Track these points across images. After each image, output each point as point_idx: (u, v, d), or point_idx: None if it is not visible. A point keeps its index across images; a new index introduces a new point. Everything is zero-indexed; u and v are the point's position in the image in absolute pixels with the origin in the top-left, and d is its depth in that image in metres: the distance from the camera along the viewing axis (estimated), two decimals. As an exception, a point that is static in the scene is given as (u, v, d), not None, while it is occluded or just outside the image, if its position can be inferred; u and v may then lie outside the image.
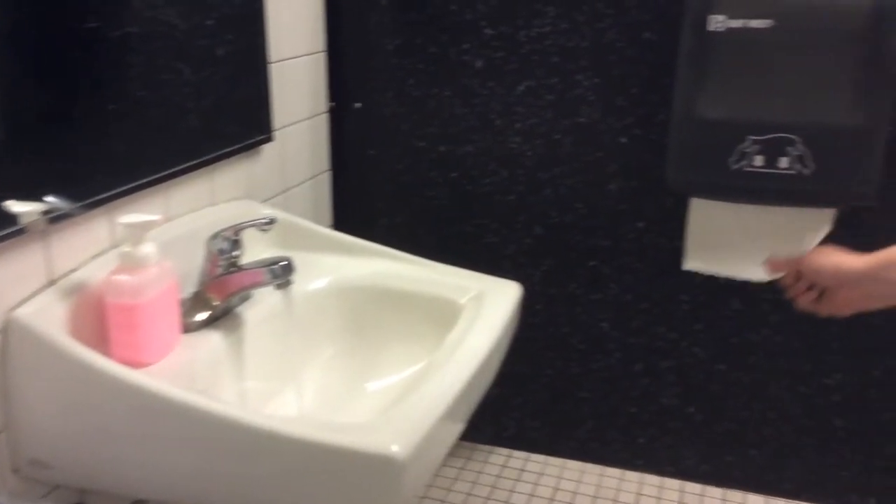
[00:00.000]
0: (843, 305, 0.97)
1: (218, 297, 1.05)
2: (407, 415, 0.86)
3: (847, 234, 1.47)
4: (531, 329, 1.76)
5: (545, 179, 1.66)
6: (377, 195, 1.75)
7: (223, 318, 1.07)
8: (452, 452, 1.91)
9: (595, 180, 1.63)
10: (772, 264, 1.03)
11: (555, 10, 1.54)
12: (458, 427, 1.00)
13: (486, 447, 1.92)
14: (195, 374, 0.97)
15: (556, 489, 1.81)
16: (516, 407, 1.86)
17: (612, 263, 1.68)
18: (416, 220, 1.76)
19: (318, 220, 1.57)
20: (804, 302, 1.02)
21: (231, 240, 1.05)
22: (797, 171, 1.17)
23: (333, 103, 1.57)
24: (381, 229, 1.76)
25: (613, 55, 1.54)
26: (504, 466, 1.88)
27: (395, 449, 0.79)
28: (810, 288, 1.00)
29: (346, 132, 1.61)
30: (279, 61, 1.36)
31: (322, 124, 1.56)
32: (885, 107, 1.13)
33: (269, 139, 1.34)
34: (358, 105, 1.61)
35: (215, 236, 1.05)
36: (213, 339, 1.03)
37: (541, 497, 1.78)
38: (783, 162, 1.16)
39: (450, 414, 0.90)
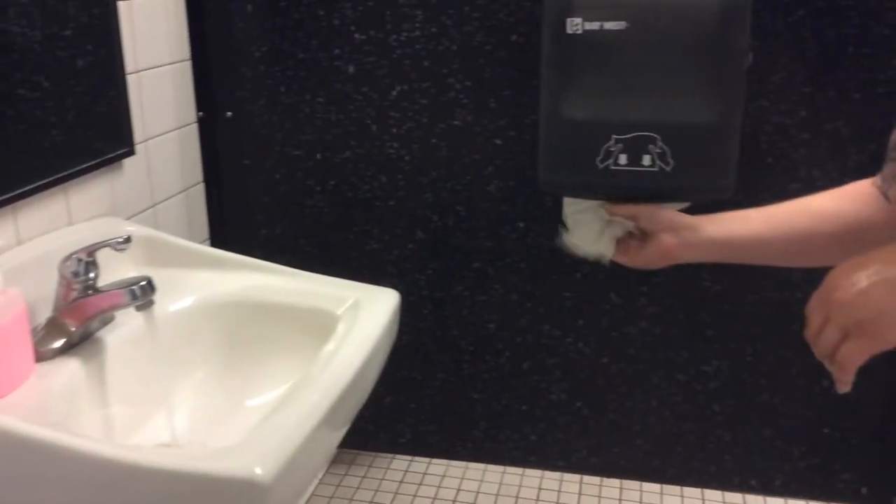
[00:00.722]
0: (660, 255, 1.01)
1: (74, 322, 1.00)
2: (272, 435, 0.84)
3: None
4: (420, 333, 1.75)
5: (425, 183, 1.65)
6: (255, 206, 1.70)
7: (82, 344, 1.02)
8: (353, 462, 1.89)
9: (474, 182, 1.64)
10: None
11: (423, 14, 1.54)
12: (331, 442, 0.98)
13: (387, 455, 1.91)
14: (50, 405, 0.92)
15: (459, 490, 1.81)
16: (411, 413, 1.85)
17: (495, 264, 1.70)
18: (297, 230, 1.73)
19: (192, 235, 1.52)
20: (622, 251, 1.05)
21: (85, 261, 1.00)
22: (659, 168, 1.19)
23: (202, 113, 1.51)
24: (261, 241, 1.72)
25: (483, 58, 1.54)
26: (407, 472, 1.87)
27: (259, 472, 0.77)
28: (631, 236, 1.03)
29: (218, 143, 1.55)
30: (137, 71, 1.30)
31: (192, 135, 1.51)
32: (738, 103, 1.16)
33: (130, 153, 1.28)
34: (229, 114, 1.56)
35: (68, 258, 1.00)
36: (70, 367, 0.98)
37: (443, 499, 1.79)
38: (646, 160, 1.18)
39: (319, 430, 0.88)
